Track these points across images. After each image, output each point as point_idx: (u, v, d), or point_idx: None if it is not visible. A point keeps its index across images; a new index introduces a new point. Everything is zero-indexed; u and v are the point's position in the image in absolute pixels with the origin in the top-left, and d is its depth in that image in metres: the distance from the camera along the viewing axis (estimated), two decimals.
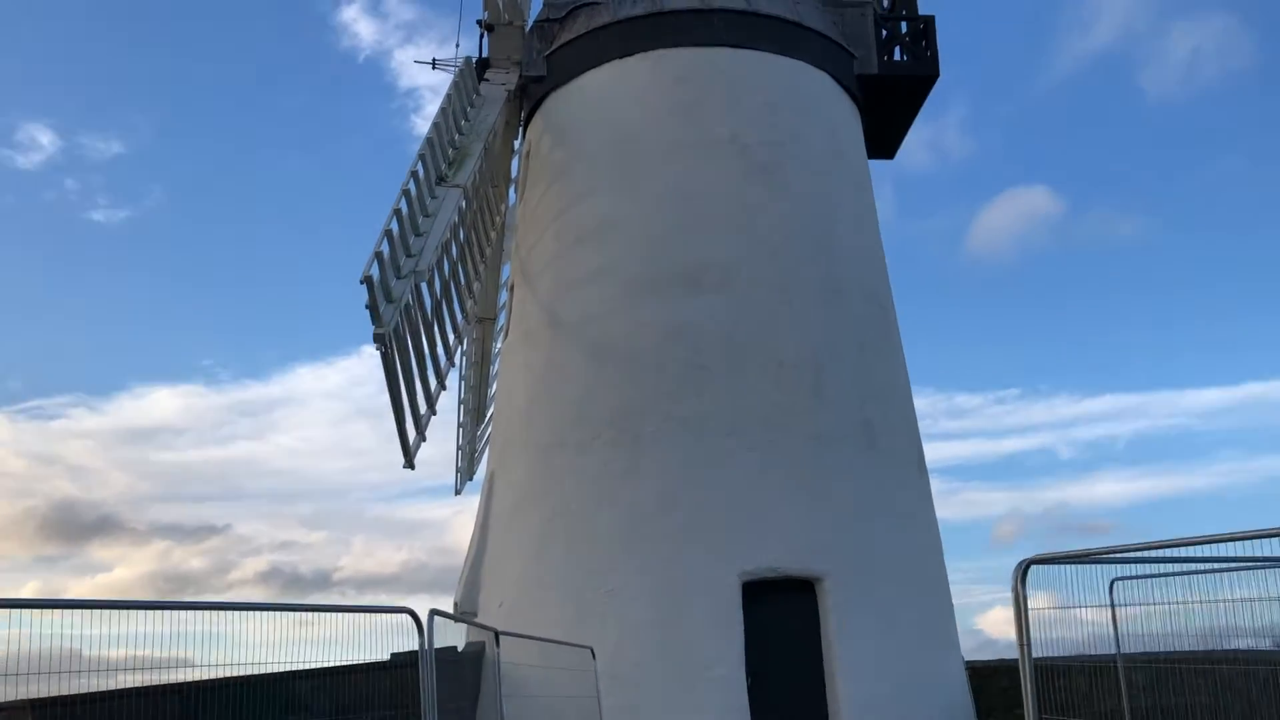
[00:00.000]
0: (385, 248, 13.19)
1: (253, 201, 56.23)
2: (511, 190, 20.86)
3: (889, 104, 19.39)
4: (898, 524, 15.65)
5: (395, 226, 13.71)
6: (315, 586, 49.91)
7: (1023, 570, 6.43)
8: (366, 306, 12.54)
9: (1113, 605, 7.40)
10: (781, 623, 14.26)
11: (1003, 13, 55.33)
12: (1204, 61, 54.95)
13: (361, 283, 12.40)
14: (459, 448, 23.70)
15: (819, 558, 14.52)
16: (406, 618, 7.19)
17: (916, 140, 53.92)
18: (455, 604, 16.71)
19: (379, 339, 12.61)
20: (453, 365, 15.71)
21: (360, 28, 59.41)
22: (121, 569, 53.80)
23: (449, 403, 23.63)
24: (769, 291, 15.85)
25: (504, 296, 21.14)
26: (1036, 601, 6.36)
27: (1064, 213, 56.96)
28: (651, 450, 15.02)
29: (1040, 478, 54.78)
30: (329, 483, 57.67)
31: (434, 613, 7.18)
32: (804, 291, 16.06)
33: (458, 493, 23.98)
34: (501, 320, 21.11)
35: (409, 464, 13.88)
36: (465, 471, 24.05)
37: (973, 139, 59.40)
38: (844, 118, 18.15)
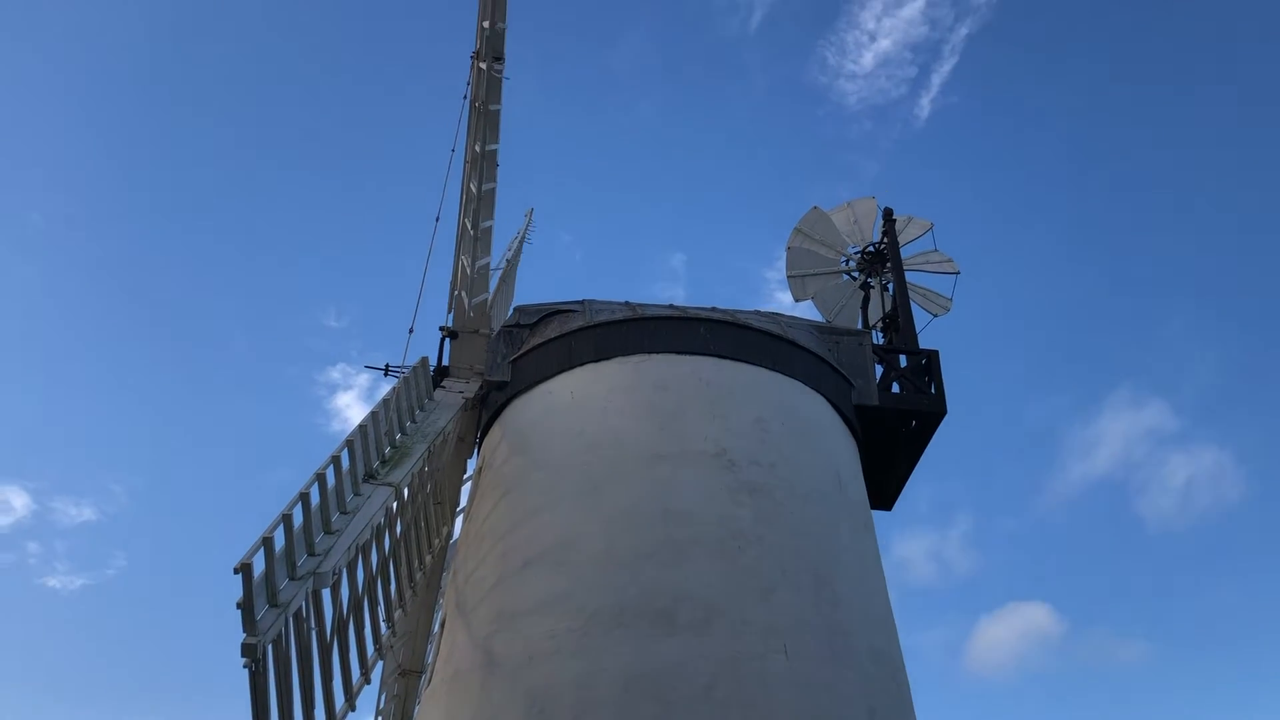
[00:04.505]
0: (280, 536, 10.28)
1: (224, 583, 53.80)
2: (459, 521, 18.09)
3: (889, 442, 17.38)
4: None
5: (299, 515, 10.87)
6: None
7: None
8: (238, 605, 9.42)
9: None
10: None
11: (1008, 435, 57.41)
12: (1198, 492, 57.16)
13: (236, 571, 9.38)
14: None
15: None
16: None
17: (920, 551, 53.75)
18: None
19: (248, 651, 9.36)
20: (353, 709, 12.11)
21: (353, 413, 60.07)
22: None
23: None
24: (760, 637, 12.73)
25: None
26: None
27: (1065, 632, 56.63)
28: None
29: None
30: None
31: None
32: (802, 640, 12.93)
33: None
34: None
35: None
36: None
37: (976, 553, 59.17)
38: (843, 447, 15.99)
